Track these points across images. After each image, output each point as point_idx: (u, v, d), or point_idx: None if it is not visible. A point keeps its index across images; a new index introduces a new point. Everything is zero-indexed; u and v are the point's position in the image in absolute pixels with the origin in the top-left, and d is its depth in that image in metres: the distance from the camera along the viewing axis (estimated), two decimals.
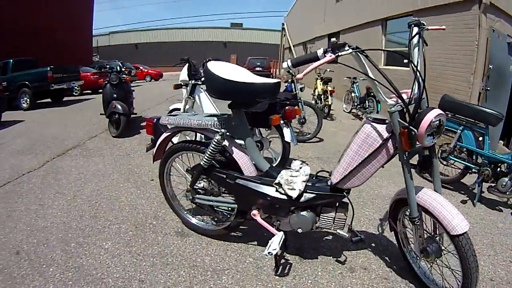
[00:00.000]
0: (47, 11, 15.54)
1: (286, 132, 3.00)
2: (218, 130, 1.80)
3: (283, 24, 23.01)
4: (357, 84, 7.70)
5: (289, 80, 5.31)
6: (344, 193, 1.69)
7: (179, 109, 3.97)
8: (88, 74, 12.30)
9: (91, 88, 12.46)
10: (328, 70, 8.36)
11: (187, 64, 3.78)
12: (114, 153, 4.15)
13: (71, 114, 7.58)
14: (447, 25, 5.84)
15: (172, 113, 3.59)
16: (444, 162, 3.30)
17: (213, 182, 2.01)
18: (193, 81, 3.73)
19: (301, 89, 5.29)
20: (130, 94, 5.76)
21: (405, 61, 6.06)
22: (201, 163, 1.88)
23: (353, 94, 7.76)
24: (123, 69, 6.21)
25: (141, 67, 21.92)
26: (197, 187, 2.05)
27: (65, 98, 10.20)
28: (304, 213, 1.74)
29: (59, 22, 16.39)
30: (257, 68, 19.26)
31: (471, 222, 2.34)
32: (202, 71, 3.91)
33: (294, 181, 1.72)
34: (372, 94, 6.83)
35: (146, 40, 36.70)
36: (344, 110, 8.30)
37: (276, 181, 1.74)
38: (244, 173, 1.83)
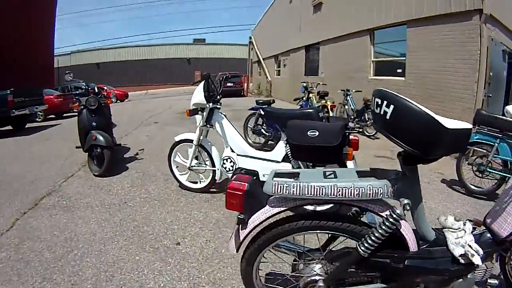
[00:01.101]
0: (5, 28, 13.93)
1: (351, 166, 2.43)
2: (397, 200, 1.21)
3: (250, 37, 22.76)
4: (350, 96, 7.40)
5: (304, 97, 4.82)
6: None
7: (189, 140, 3.30)
8: (52, 97, 10.99)
9: (55, 112, 11.21)
10: (320, 83, 8.03)
11: (202, 83, 3.13)
12: (105, 201, 3.27)
13: (36, 144, 6.46)
14: (448, 35, 5.78)
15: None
16: (480, 175, 3.42)
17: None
18: (211, 105, 3.10)
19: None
20: (111, 121, 4.91)
21: (398, 70, 5.89)
22: (360, 250, 1.22)
23: (346, 107, 7.43)
24: (102, 91, 5.33)
25: (105, 88, 21.14)
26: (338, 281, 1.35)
27: (28, 125, 8.90)
28: (470, 275, 1.30)
29: (18, 40, 14.76)
30: (229, 84, 18.57)
31: None
32: (219, 90, 3.31)
33: (468, 244, 1.26)
34: (371, 106, 6.50)
35: (108, 59, 35.77)
36: None
37: (456, 251, 1.24)
38: (410, 248, 1.26)
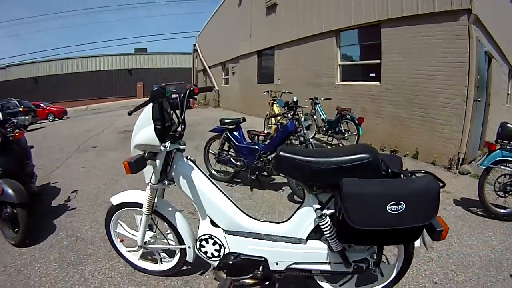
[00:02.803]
0: None
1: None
2: None
3: (194, 45, 21.28)
4: (319, 105, 6.49)
5: (289, 115, 3.62)
6: None
7: (136, 205, 1.94)
8: None
9: None
10: (286, 92, 6.99)
11: (148, 107, 1.73)
12: None
13: None
14: (430, 35, 5.02)
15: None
16: (502, 194, 3.11)
17: None
18: (168, 145, 1.71)
19: (308, 128, 3.69)
20: (27, 161, 3.29)
21: (372, 74, 5.13)
22: None
23: (315, 117, 6.49)
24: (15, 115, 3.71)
25: (42, 104, 19.18)
26: None
27: None
28: None
29: None
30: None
31: None
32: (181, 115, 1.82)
33: None
34: (348, 115, 5.64)
35: (46, 73, 31.76)
36: None
37: None
38: None
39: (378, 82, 5.99)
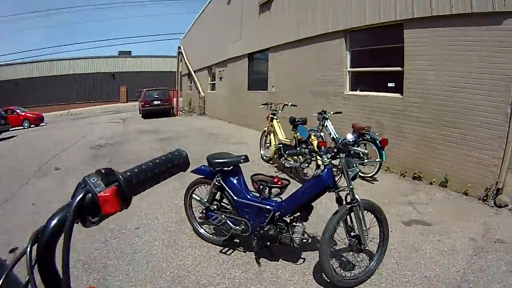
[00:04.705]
0: None
1: None
2: None
3: (179, 47, 19.96)
4: (328, 120, 5.44)
5: (325, 158, 2.41)
6: None
7: None
8: None
9: None
10: (289, 104, 5.88)
11: None
12: None
13: None
14: (470, 41, 3.82)
15: None
16: None
17: None
18: None
19: (354, 178, 2.38)
20: None
21: (390, 84, 4.09)
22: None
23: (322, 134, 5.41)
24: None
25: (17, 110, 17.98)
26: None
27: None
28: None
29: None
30: (155, 102, 15.69)
31: None
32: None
33: None
34: (367, 136, 4.61)
35: (27, 76, 29.79)
36: None
37: None
38: None
39: (399, 94, 5.01)
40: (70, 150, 7.82)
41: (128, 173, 0.58)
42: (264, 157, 6.02)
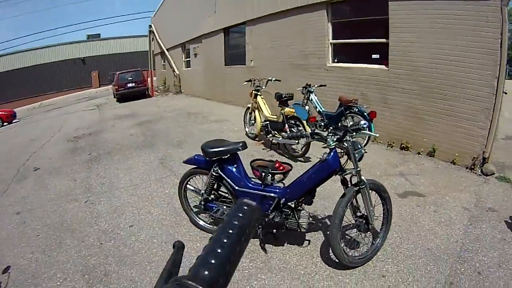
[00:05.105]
0: None
1: None
2: None
3: (150, 26, 18.78)
4: (313, 93, 5.33)
5: (330, 141, 2.28)
6: None
7: None
8: None
9: None
10: (273, 79, 5.70)
11: None
12: None
13: None
14: (457, 15, 3.73)
15: None
16: None
17: None
18: None
19: (360, 159, 2.32)
20: None
21: (375, 56, 4.03)
22: None
23: (307, 108, 5.31)
24: None
25: None
26: None
27: None
28: None
29: None
30: (130, 84, 14.98)
31: None
32: None
33: None
34: (354, 108, 4.57)
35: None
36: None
37: None
38: None
39: (384, 66, 4.95)
40: (47, 146, 7.27)
41: (206, 272, 0.39)
42: (250, 134, 5.92)
